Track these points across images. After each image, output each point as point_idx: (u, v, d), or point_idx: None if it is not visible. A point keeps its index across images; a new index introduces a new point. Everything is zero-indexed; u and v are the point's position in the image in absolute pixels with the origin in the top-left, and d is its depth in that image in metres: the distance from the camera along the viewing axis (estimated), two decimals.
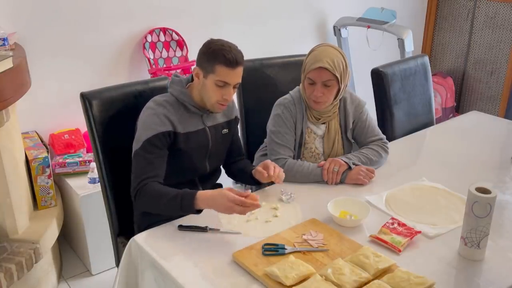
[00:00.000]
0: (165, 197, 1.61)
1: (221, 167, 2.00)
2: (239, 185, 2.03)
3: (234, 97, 2.27)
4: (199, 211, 1.61)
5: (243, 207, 1.51)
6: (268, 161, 1.81)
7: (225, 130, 1.90)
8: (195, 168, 1.83)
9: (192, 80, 1.79)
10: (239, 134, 2.11)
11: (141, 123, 1.72)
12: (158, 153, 1.69)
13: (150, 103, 1.75)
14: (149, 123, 1.70)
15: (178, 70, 2.95)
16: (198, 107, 1.78)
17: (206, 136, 1.82)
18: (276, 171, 1.75)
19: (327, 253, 1.47)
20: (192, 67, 2.09)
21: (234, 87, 1.74)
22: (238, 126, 2.04)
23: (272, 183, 1.83)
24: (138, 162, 1.69)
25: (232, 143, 1.97)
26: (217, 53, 1.67)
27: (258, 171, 1.80)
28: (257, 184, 1.90)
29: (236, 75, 1.71)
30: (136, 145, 1.71)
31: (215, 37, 1.73)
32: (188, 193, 1.60)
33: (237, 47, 1.72)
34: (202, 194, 1.58)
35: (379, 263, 1.38)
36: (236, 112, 1.96)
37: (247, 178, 1.91)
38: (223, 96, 1.71)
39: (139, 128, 1.72)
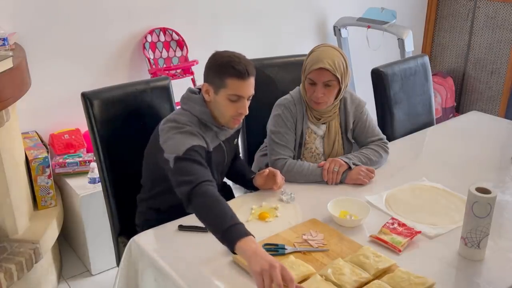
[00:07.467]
0: (219, 207, 1.41)
1: None
2: (238, 186, 2.03)
3: None
4: (233, 251, 1.35)
5: (272, 281, 1.22)
6: (273, 170, 1.81)
7: (236, 140, 1.88)
8: None
9: (199, 92, 1.69)
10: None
11: (171, 143, 1.56)
12: (202, 161, 1.55)
13: (172, 124, 1.60)
14: (184, 139, 1.56)
15: (178, 70, 2.95)
16: (217, 124, 1.70)
17: (223, 152, 1.78)
18: (282, 182, 1.79)
19: (327, 253, 1.47)
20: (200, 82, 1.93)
21: (248, 99, 1.63)
22: None
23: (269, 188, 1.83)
24: (187, 165, 1.51)
25: None
26: (226, 66, 1.57)
27: (261, 176, 1.80)
28: (254, 190, 1.88)
29: (249, 87, 1.60)
30: (174, 154, 1.53)
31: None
32: (241, 227, 1.36)
33: (245, 57, 1.62)
34: (251, 241, 1.32)
35: (379, 263, 1.38)
36: None
37: (245, 183, 1.90)
38: (238, 111, 1.62)
39: (169, 147, 1.56)
